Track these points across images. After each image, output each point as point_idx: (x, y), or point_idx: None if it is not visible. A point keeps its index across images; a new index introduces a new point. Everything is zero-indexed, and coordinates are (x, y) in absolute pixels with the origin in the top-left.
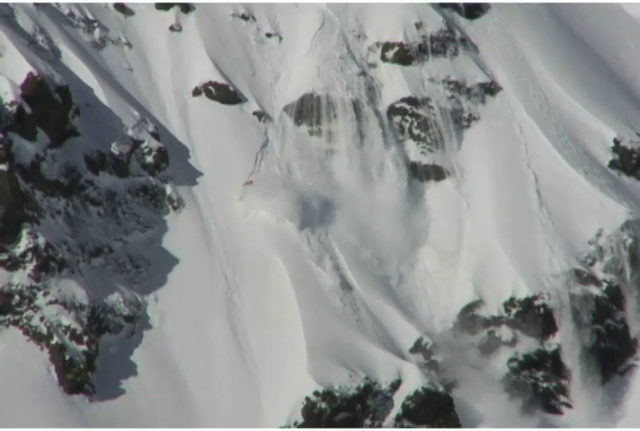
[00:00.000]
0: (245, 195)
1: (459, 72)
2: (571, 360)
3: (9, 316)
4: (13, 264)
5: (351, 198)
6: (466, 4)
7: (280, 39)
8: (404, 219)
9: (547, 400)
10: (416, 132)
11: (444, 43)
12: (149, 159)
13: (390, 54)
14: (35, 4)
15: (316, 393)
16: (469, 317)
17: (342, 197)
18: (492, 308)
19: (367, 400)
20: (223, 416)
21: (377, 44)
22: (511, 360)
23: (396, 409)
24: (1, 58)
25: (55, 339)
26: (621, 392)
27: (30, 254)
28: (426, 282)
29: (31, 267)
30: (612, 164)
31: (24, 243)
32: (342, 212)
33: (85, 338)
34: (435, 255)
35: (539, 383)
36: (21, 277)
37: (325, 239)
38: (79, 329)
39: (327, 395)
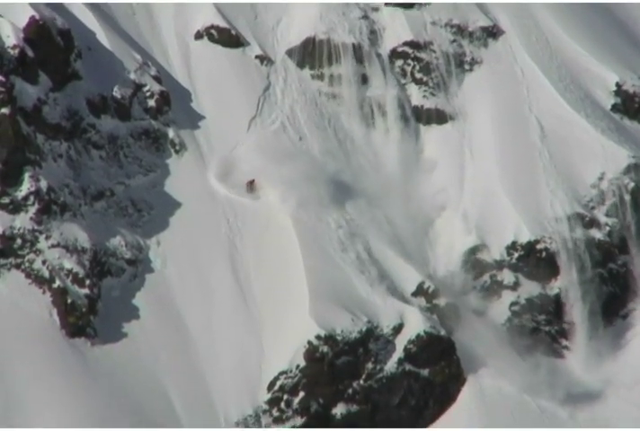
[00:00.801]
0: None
1: (462, 15)
2: (573, 304)
3: (11, 259)
4: (15, 207)
5: (352, 143)
6: None
7: None
8: (405, 163)
9: (549, 344)
10: (418, 76)
11: None
12: (151, 102)
13: None
14: None
15: (318, 337)
16: (471, 261)
17: (343, 141)
18: (494, 252)
19: (369, 344)
20: (224, 359)
21: None
22: (512, 304)
23: (398, 353)
24: (3, 2)
25: (57, 283)
26: (623, 336)
27: (31, 197)
28: (428, 226)
29: (32, 210)
30: (614, 108)
31: (26, 187)
32: (345, 155)
33: (87, 282)
34: (437, 200)
35: (541, 327)
36: (22, 221)
37: (328, 185)
38: (81, 273)
39: (329, 339)
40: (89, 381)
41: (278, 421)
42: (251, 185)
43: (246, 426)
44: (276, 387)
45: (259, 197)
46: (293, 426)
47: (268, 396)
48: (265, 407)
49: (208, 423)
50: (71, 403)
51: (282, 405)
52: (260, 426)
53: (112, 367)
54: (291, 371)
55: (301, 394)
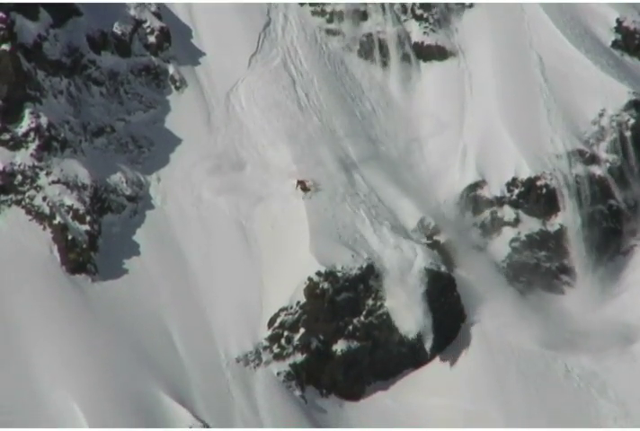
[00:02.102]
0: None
1: None
2: (573, 240)
3: (11, 196)
4: (16, 144)
5: (352, 79)
6: None
7: None
8: (405, 99)
9: (549, 280)
10: (419, 12)
11: None
12: (151, 39)
13: None
14: None
15: (319, 273)
16: (472, 197)
17: (343, 77)
18: (494, 188)
19: (369, 281)
20: (225, 296)
21: None
22: (513, 240)
23: None
24: None
25: (57, 219)
26: (623, 272)
27: (32, 134)
28: (429, 162)
29: (33, 146)
30: (615, 44)
31: (27, 123)
32: (345, 91)
33: (88, 218)
34: (438, 136)
35: (541, 263)
36: (23, 157)
37: (328, 122)
38: (81, 209)
39: (330, 275)
40: (90, 317)
41: (278, 357)
42: (301, 184)
43: (247, 363)
44: (276, 323)
45: (318, 190)
46: (294, 363)
47: (268, 332)
48: (266, 343)
49: (208, 359)
50: (72, 339)
51: (283, 341)
52: (260, 363)
53: (113, 304)
54: (292, 307)
55: (302, 331)
